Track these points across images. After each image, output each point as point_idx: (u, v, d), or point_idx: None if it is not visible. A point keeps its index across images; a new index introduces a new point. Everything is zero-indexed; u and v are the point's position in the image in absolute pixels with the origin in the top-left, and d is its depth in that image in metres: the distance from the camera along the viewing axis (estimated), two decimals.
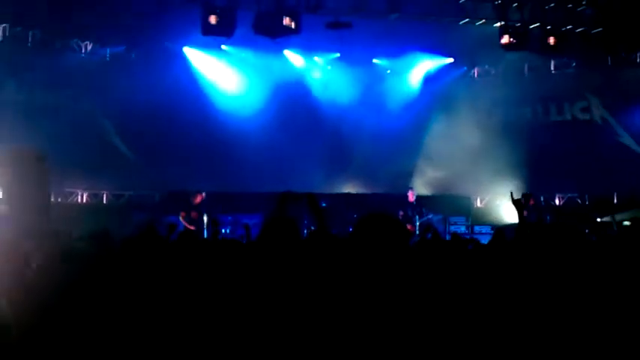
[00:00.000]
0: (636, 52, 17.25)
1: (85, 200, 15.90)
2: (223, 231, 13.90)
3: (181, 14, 14.48)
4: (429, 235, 10.66)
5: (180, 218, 12.86)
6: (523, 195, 14.36)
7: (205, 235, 12.63)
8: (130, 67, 16.21)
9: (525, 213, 13.70)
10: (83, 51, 16.20)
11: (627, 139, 17.18)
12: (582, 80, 17.82)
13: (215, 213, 13.57)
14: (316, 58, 18.01)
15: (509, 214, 15.73)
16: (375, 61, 18.24)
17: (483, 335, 3.24)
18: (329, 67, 18.26)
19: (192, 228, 12.57)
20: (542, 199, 15.53)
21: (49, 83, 14.91)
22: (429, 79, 18.47)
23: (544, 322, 3.19)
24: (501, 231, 9.38)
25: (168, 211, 14.24)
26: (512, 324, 3.29)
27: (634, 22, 15.09)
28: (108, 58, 16.44)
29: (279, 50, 16.98)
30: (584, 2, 15.47)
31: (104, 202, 16.10)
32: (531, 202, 14.28)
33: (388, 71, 18.57)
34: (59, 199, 15.04)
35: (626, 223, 7.24)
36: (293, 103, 17.14)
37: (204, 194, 13.24)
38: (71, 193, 15.67)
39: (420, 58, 18.16)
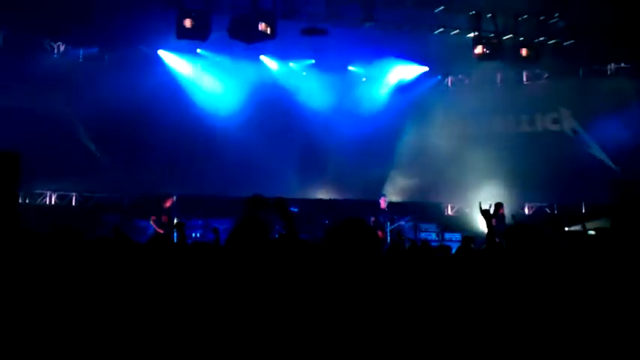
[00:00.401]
0: (607, 64, 17.53)
1: (53, 202, 15.71)
2: (194, 235, 13.81)
3: (156, 17, 14.35)
4: (407, 243, 10.75)
5: (151, 222, 12.79)
6: (495, 204, 14.52)
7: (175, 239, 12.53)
8: (103, 69, 16.08)
9: (495, 222, 13.85)
10: (55, 51, 16.05)
11: (597, 151, 17.43)
12: (554, 92, 18.06)
13: (186, 217, 13.49)
14: (291, 64, 18.00)
15: (479, 222, 15.88)
16: (350, 68, 18.29)
17: (454, 341, 3.24)
18: (304, 74, 18.24)
19: (162, 232, 12.49)
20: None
21: (21, 83, 14.74)
22: (403, 87, 18.57)
23: (513, 328, 3.21)
24: (468, 239, 9.49)
25: (137, 215, 14.13)
26: (481, 330, 3.30)
27: (605, 35, 15.31)
28: (81, 59, 16.30)
29: (254, 55, 16.94)
30: (556, 15, 15.66)
31: (73, 204, 15.92)
32: (501, 212, 14.40)
33: (364, 79, 18.64)
34: (27, 200, 14.86)
35: (591, 232, 7.38)
36: (268, 108, 17.10)
37: (174, 198, 13.16)
38: (40, 195, 15.48)
39: (394, 65, 18.24)
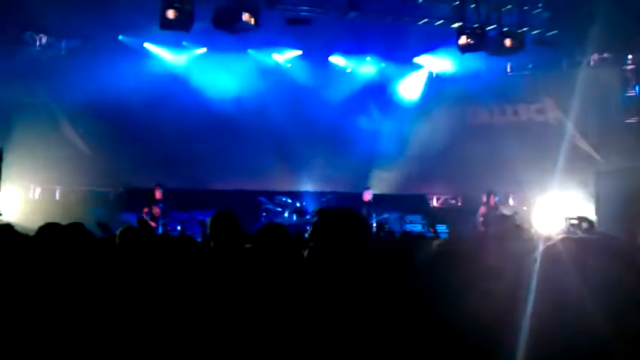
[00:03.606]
0: (590, 55, 17.61)
1: (37, 195, 15.59)
2: (179, 228, 13.77)
3: (141, 8, 14.25)
4: (384, 234, 10.81)
5: (143, 214, 12.68)
6: (486, 193, 14.63)
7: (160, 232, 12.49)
8: (87, 61, 15.91)
9: (485, 209, 13.89)
10: (38, 44, 15.87)
11: (580, 141, 17.54)
12: (538, 82, 18.14)
13: (171, 210, 13.46)
14: (277, 55, 17.89)
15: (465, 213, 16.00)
16: (334, 59, 18.19)
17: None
18: (289, 65, 18.15)
19: (154, 225, 12.43)
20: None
21: (3, 77, 14.60)
22: (387, 78, 18.56)
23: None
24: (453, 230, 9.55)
25: (123, 208, 14.06)
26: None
27: (588, 26, 15.39)
28: (63, 52, 16.13)
29: (239, 46, 16.83)
30: (540, 5, 15.71)
31: (57, 197, 15.80)
32: (492, 202, 14.51)
33: (348, 70, 18.55)
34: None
35: (573, 221, 7.53)
36: (253, 100, 16.99)
37: (162, 189, 13.07)
38: (23, 188, 15.36)
39: (379, 56, 18.20)
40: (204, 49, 16.92)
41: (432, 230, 12.74)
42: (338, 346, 2.78)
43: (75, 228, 4.43)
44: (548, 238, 3.36)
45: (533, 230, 10.87)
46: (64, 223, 4.79)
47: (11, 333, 3.18)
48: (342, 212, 3.15)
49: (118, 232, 5.39)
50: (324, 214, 3.13)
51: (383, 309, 3.04)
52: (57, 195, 15.83)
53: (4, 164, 13.25)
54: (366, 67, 18.51)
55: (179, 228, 13.77)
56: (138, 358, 3.22)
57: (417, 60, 18.53)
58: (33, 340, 3.18)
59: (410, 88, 18.59)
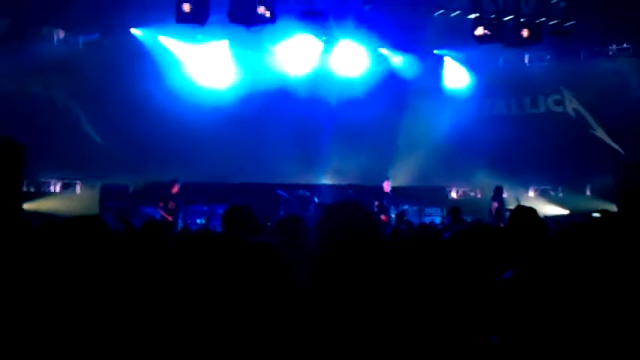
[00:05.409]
0: (609, 45, 17.46)
1: (57, 190, 15.74)
2: (198, 221, 13.83)
3: (157, 2, 14.30)
4: (403, 226, 10.81)
5: (159, 208, 12.75)
6: (496, 188, 14.59)
7: (180, 226, 12.55)
8: (104, 55, 16.01)
9: (497, 205, 13.87)
10: (55, 39, 15.96)
11: (600, 132, 17.42)
12: (556, 73, 18.02)
13: (190, 203, 13.50)
14: (293, 48, 17.78)
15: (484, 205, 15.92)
16: (352, 50, 18.05)
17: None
18: (307, 58, 18.02)
19: (170, 218, 12.48)
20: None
21: (22, 72, 14.76)
22: (404, 70, 18.45)
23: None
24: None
25: (142, 201, 14.13)
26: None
27: (606, 16, 15.24)
28: (80, 46, 16.22)
29: (256, 40, 16.78)
30: None
31: (77, 191, 15.93)
32: (504, 195, 14.47)
33: (366, 61, 18.39)
34: (32, 189, 14.91)
35: (596, 214, 7.45)
36: (270, 94, 16.94)
37: (179, 184, 13.12)
38: (44, 183, 15.51)
39: (396, 47, 18.09)
40: (224, 42, 16.89)
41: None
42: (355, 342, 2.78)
43: (95, 221, 4.45)
44: (561, 228, 3.34)
45: (548, 221, 10.80)
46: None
47: (30, 327, 3.21)
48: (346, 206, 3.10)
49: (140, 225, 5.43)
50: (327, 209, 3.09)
51: (405, 301, 3.03)
52: (78, 189, 15.94)
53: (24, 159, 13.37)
54: (383, 59, 18.39)
55: (198, 221, 13.84)
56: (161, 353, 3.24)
57: (433, 52, 18.44)
58: (54, 335, 3.22)
59: (427, 80, 18.46)
